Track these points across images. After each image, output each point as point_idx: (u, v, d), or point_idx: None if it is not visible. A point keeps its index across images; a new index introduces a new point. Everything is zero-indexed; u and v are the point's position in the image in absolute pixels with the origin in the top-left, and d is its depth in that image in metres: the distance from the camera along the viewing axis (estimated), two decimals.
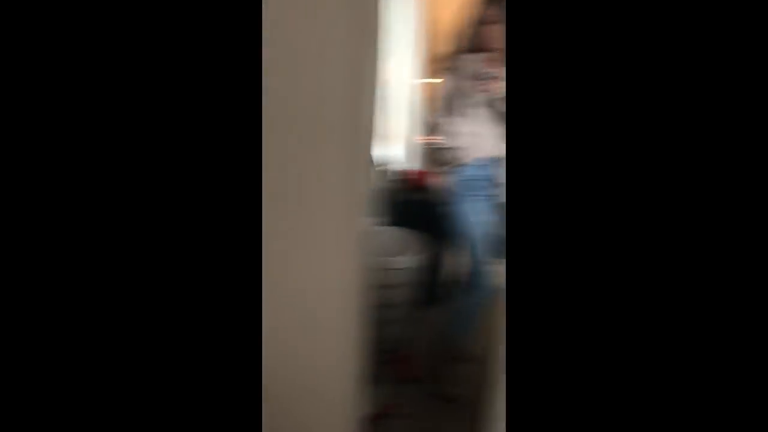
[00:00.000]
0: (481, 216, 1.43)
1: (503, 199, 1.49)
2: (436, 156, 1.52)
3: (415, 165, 2.46)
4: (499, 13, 1.30)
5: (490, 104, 1.34)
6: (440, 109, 1.44)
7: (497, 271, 1.40)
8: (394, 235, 1.84)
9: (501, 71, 1.31)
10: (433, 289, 1.82)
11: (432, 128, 1.48)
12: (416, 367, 1.67)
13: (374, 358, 1.67)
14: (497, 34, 1.31)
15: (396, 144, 2.37)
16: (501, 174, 1.45)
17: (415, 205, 1.82)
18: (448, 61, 1.44)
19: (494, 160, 1.43)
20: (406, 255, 1.64)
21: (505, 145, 1.64)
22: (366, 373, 1.61)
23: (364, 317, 0.94)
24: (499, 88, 1.32)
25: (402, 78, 2.25)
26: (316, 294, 0.88)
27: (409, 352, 1.72)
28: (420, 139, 2.14)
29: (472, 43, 1.37)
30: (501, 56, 1.30)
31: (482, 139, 1.40)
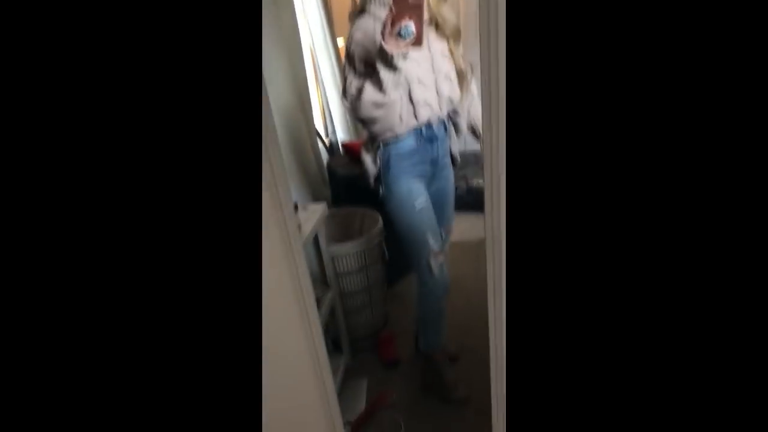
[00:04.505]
0: (417, 192, 1.29)
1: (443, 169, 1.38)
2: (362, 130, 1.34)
3: (353, 136, 2.32)
4: None
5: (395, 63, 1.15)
6: (348, 70, 1.24)
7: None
8: (346, 214, 1.73)
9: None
10: (392, 266, 1.73)
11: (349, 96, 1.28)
12: (396, 348, 1.61)
13: (353, 347, 1.61)
14: None
15: (334, 116, 2.21)
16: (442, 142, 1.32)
17: (359, 179, 1.70)
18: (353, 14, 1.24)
19: (430, 127, 1.29)
20: (361, 235, 1.54)
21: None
22: (350, 366, 1.54)
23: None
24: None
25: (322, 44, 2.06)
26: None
27: (388, 334, 1.65)
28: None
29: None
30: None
31: (404, 107, 1.22)
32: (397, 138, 1.23)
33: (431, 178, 1.32)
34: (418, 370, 1.47)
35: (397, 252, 1.67)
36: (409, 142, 1.25)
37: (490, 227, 0.81)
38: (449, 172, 1.38)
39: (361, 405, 1.38)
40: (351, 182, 1.81)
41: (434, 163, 1.31)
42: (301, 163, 1.78)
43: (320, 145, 2.01)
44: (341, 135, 2.21)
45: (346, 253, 1.50)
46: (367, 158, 1.30)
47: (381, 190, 1.30)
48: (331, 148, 2.12)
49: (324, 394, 0.98)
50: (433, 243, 1.26)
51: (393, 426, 1.31)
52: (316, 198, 1.82)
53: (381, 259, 1.62)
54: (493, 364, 0.92)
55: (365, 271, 1.55)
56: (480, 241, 2.23)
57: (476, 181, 2.56)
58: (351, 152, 1.94)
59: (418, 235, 1.27)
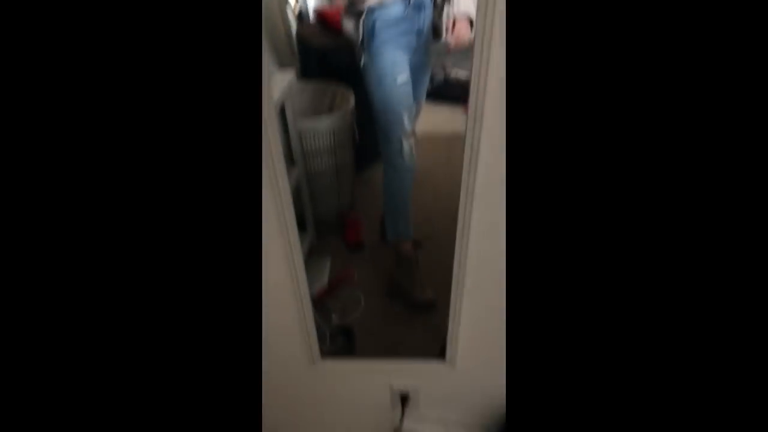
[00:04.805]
0: (400, 65, 1.19)
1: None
2: None
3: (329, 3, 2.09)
4: None
5: None
6: None
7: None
8: (316, 89, 1.60)
9: None
10: (362, 150, 1.67)
11: None
12: (362, 232, 1.61)
13: (318, 228, 1.59)
14: None
15: None
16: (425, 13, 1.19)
17: (333, 52, 1.55)
18: None
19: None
20: (332, 112, 1.44)
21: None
22: (314, 245, 1.54)
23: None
24: None
25: None
26: None
27: (354, 217, 1.64)
28: None
29: None
30: None
31: None
32: (383, 4, 1.11)
33: (414, 51, 1.22)
34: (382, 255, 1.48)
35: (369, 135, 1.60)
36: (397, 9, 1.13)
37: (471, 121, 0.76)
38: (430, 47, 1.29)
39: (323, 282, 1.39)
40: (323, 55, 1.65)
41: (419, 34, 1.20)
42: (266, 28, 1.59)
43: (288, 10, 1.80)
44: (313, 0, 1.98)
45: (315, 129, 1.41)
46: (349, 24, 1.18)
47: (362, 60, 1.19)
48: (301, 15, 1.90)
49: (292, 267, 0.96)
50: (407, 123, 1.21)
51: (353, 301, 1.35)
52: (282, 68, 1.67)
53: (351, 141, 1.54)
54: (456, 258, 0.92)
55: (334, 151, 1.48)
56: (453, 134, 2.17)
57: (455, 71, 2.43)
58: (324, 21, 1.75)
59: (394, 112, 1.20)
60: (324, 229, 1.61)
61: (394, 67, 1.19)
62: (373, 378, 1.15)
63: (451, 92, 2.21)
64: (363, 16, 1.15)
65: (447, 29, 1.29)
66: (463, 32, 1.20)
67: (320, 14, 1.82)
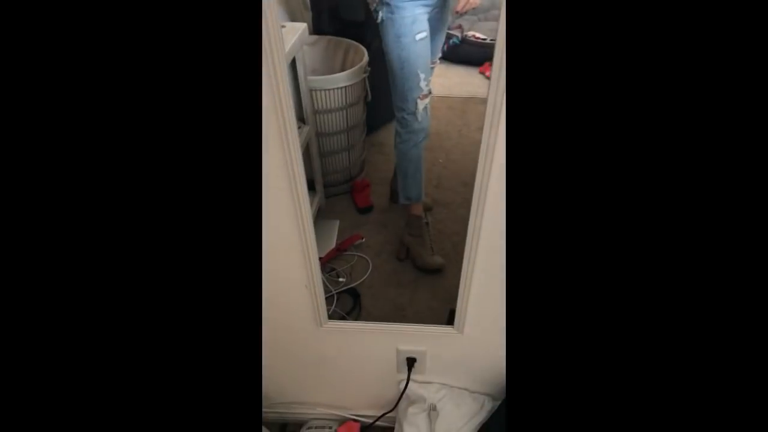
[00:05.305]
0: (420, 22, 1.12)
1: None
2: None
3: None
4: None
5: None
6: None
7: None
8: (328, 45, 1.54)
9: None
10: (373, 111, 1.62)
11: None
12: (372, 195, 1.58)
13: (327, 190, 1.56)
14: None
15: None
16: None
17: (347, 6, 1.48)
18: None
19: None
20: (344, 69, 1.38)
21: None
22: (323, 207, 1.52)
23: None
24: None
25: None
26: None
27: (363, 180, 1.60)
28: None
29: None
30: None
31: None
32: None
33: (432, 7, 1.16)
34: (391, 218, 1.46)
35: (381, 94, 1.54)
36: None
37: (494, 87, 0.72)
38: (449, 1, 1.22)
39: (331, 244, 1.37)
40: (336, 9, 1.57)
41: None
42: None
43: None
44: None
45: (327, 87, 1.36)
46: None
47: (380, 15, 1.13)
48: None
49: (301, 228, 0.94)
50: (423, 82, 1.16)
51: (361, 264, 1.33)
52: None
53: (363, 100, 1.49)
54: (471, 224, 0.89)
55: (346, 110, 1.43)
56: (468, 97, 2.10)
57: (472, 34, 2.33)
58: None
59: (411, 71, 1.14)
60: (333, 191, 1.58)
61: (413, 23, 1.13)
62: (380, 341, 1.15)
63: (467, 53, 2.12)
64: None
65: None
66: None
67: None
